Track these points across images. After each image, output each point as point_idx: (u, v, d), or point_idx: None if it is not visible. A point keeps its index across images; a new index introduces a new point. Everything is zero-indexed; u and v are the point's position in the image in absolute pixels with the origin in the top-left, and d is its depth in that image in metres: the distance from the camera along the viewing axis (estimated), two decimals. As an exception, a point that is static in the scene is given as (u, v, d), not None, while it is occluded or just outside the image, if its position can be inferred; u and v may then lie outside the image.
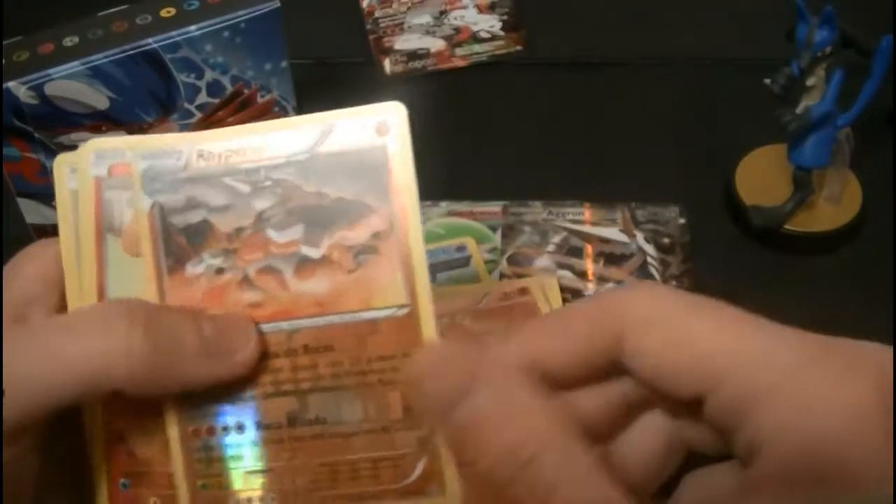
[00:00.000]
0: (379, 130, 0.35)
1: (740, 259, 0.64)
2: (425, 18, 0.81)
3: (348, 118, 0.34)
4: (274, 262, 0.35)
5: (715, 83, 0.75)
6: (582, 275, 0.61)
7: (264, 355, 0.33)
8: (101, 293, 0.34)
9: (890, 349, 0.26)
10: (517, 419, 0.26)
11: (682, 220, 0.65)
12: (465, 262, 0.61)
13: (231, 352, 0.32)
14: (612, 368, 0.28)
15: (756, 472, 0.26)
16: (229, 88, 0.65)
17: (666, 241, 0.63)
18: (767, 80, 0.60)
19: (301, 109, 0.68)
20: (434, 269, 0.60)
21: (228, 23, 0.62)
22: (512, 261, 0.62)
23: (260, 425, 0.34)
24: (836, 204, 0.65)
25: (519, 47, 0.79)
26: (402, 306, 0.33)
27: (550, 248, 0.63)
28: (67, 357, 0.30)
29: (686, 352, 0.26)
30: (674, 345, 0.26)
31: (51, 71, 0.59)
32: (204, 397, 0.33)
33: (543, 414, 0.26)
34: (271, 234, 0.35)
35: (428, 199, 0.66)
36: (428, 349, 0.30)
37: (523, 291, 0.58)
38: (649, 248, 0.63)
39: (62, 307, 0.34)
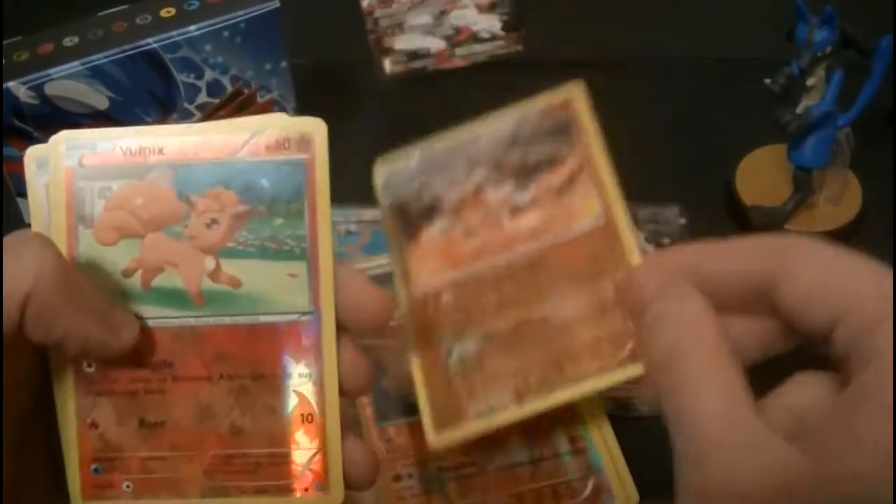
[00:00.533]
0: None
1: (740, 259, 0.64)
2: (425, 18, 0.81)
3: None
4: (492, 215, 0.46)
5: (715, 83, 0.75)
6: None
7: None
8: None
9: None
10: (681, 324, 0.32)
11: (682, 220, 0.65)
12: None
13: (117, 326, 0.34)
14: (762, 302, 0.33)
15: (857, 386, 0.29)
16: (229, 88, 0.65)
17: (666, 241, 0.63)
18: (767, 80, 0.60)
19: (301, 109, 0.68)
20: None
21: (228, 23, 0.62)
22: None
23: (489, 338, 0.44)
24: (836, 204, 0.65)
25: (519, 47, 0.79)
26: (598, 218, 0.44)
27: (550, 248, 0.63)
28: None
29: (823, 291, 0.31)
30: (816, 284, 0.31)
31: (51, 71, 0.59)
32: None
33: (702, 323, 0.32)
34: (489, 193, 0.47)
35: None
36: (633, 266, 0.38)
37: (566, 105, 0.51)
38: (649, 248, 0.63)
39: None
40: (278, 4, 0.63)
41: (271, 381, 0.35)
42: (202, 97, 0.64)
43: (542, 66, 0.78)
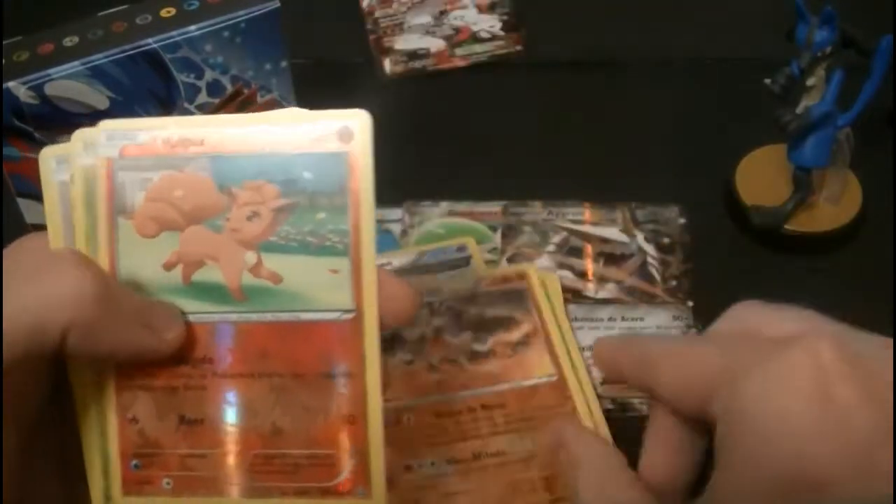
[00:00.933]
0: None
1: (740, 259, 0.64)
2: (425, 18, 0.81)
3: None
4: (452, 355, 0.54)
5: (715, 83, 0.75)
6: (582, 275, 0.61)
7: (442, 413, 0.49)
8: (113, 275, 0.34)
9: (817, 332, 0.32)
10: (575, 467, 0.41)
11: (682, 220, 0.65)
12: (466, 261, 0.61)
13: (161, 328, 0.33)
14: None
15: (722, 467, 0.32)
16: (229, 88, 0.65)
17: (666, 241, 0.63)
18: (767, 80, 0.60)
19: (301, 109, 0.68)
20: (434, 269, 0.60)
21: (228, 23, 0.62)
22: (512, 261, 0.62)
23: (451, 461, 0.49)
24: (836, 204, 0.65)
25: (519, 47, 0.79)
26: (551, 375, 0.51)
27: (550, 248, 0.63)
28: (19, 300, 0.30)
29: (687, 381, 0.34)
30: (680, 377, 0.35)
31: (51, 71, 0.59)
32: None
33: (591, 461, 0.41)
34: (448, 338, 0.54)
35: (428, 199, 0.66)
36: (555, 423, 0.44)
37: (521, 276, 0.59)
38: (649, 248, 0.63)
39: None
40: (278, 4, 0.63)
41: (312, 381, 0.34)
42: (202, 97, 0.64)
43: (542, 66, 0.78)
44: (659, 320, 0.59)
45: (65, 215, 0.35)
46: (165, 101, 0.63)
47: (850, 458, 0.28)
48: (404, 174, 0.63)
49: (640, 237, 0.63)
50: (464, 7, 0.82)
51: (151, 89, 0.62)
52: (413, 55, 0.78)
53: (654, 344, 0.38)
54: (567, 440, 0.41)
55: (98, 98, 0.61)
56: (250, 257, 0.34)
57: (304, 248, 0.34)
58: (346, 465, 0.34)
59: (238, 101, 0.65)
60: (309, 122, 0.34)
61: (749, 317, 0.35)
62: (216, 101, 0.65)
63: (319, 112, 0.35)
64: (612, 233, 0.64)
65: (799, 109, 0.61)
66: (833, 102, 0.60)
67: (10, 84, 0.58)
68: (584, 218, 0.65)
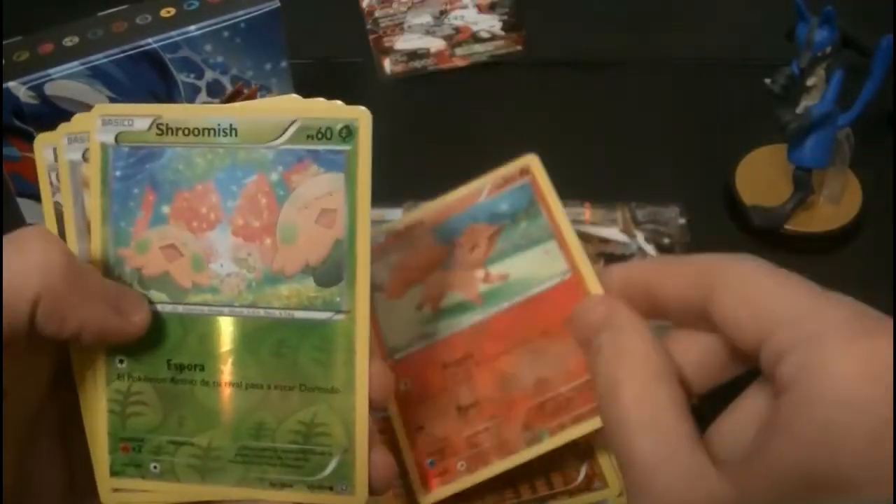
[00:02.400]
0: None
1: (740, 259, 0.64)
2: (425, 18, 0.81)
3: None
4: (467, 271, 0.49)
5: (715, 83, 0.75)
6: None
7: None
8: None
9: None
10: (617, 357, 0.34)
11: (682, 220, 0.65)
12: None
13: (129, 311, 0.34)
14: (705, 318, 0.34)
15: (777, 411, 0.30)
16: (229, 88, 0.65)
17: (666, 241, 0.63)
18: (767, 80, 0.60)
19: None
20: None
21: (228, 23, 0.62)
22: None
23: None
24: (836, 204, 0.65)
25: (519, 47, 0.79)
26: (565, 273, 0.44)
27: (550, 248, 0.63)
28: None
29: (747, 310, 0.32)
30: (742, 304, 0.32)
31: (51, 71, 0.59)
32: None
33: (637, 355, 0.34)
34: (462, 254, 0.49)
35: (428, 199, 0.66)
36: (582, 300, 0.38)
37: (524, 172, 0.53)
38: (649, 248, 0.63)
39: None
40: (278, 4, 0.63)
41: (556, 332, 0.41)
42: (202, 97, 0.64)
43: (542, 66, 0.78)
44: (659, 320, 0.59)
45: (76, 194, 0.35)
46: (165, 101, 0.63)
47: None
48: (404, 174, 0.63)
49: (640, 237, 0.63)
50: (464, 7, 0.82)
51: (151, 89, 0.62)
52: (413, 55, 0.78)
53: (720, 262, 0.34)
54: (617, 324, 0.35)
55: (98, 98, 0.61)
56: (479, 273, 0.43)
57: (518, 248, 0.44)
58: None
59: (238, 101, 0.65)
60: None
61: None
62: (216, 101, 0.65)
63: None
64: (612, 233, 0.64)
65: (799, 109, 0.61)
66: (833, 102, 0.60)
67: (10, 84, 0.58)
68: (584, 218, 0.65)
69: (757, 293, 0.32)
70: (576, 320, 0.37)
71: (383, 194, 0.34)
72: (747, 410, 0.33)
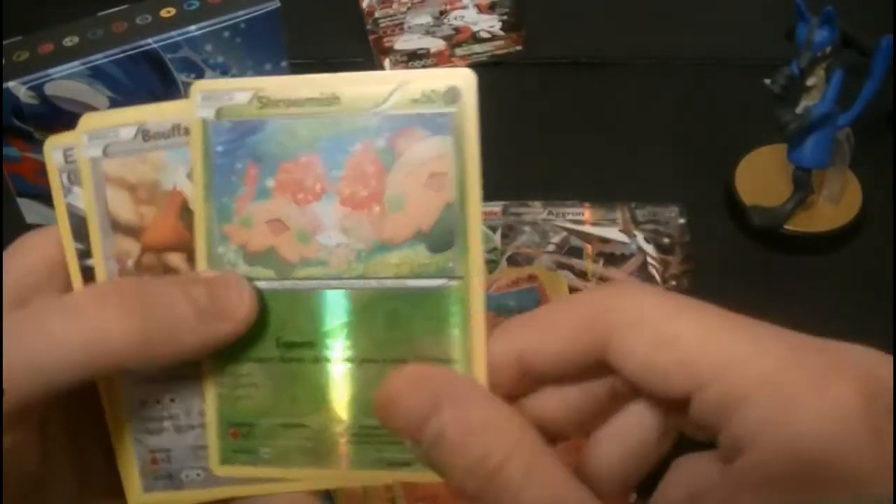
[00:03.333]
0: None
1: (740, 259, 0.64)
2: (425, 18, 0.81)
3: None
4: None
5: (715, 83, 0.75)
6: (582, 275, 0.61)
7: None
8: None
9: (872, 352, 0.26)
10: (480, 434, 0.27)
11: (682, 220, 0.65)
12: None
13: (229, 311, 0.32)
14: (597, 366, 0.29)
15: (739, 470, 0.26)
16: (229, 88, 0.65)
17: (666, 241, 0.63)
18: (767, 80, 0.60)
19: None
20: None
21: (228, 23, 0.62)
22: (512, 261, 0.62)
23: None
24: (836, 204, 0.65)
25: (519, 47, 0.79)
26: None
27: (550, 248, 0.63)
28: (62, 336, 0.29)
29: (672, 353, 0.27)
30: (660, 346, 0.27)
31: (51, 71, 0.59)
32: None
33: (508, 425, 0.27)
34: None
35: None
36: (398, 372, 0.30)
37: (532, 278, 0.58)
38: (649, 248, 0.63)
39: (68, 293, 0.34)
40: (278, 4, 0.63)
41: None
42: (202, 97, 0.64)
43: (542, 66, 0.78)
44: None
45: (98, 192, 0.35)
46: (166, 101, 0.63)
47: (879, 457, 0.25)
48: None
49: (640, 237, 0.63)
50: (464, 7, 0.82)
51: (151, 89, 0.62)
52: (413, 55, 0.78)
53: (610, 299, 0.28)
54: (461, 396, 0.29)
55: (98, 98, 0.61)
56: None
57: None
58: None
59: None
60: None
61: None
62: (216, 101, 0.65)
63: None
64: (612, 233, 0.64)
65: (799, 109, 0.61)
66: (833, 102, 0.60)
67: (10, 84, 0.58)
68: (584, 218, 0.65)
69: (674, 333, 0.27)
70: (390, 406, 0.29)
71: (383, 194, 0.34)
72: (691, 476, 0.29)
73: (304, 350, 0.34)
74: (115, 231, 0.35)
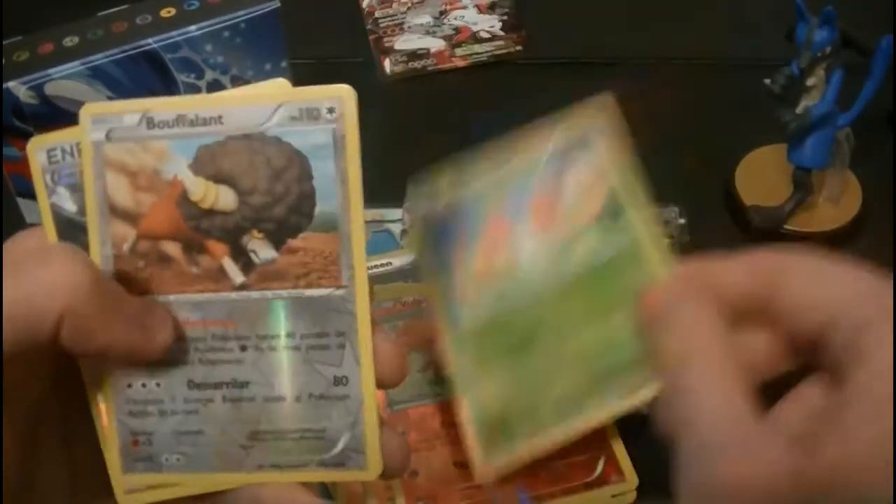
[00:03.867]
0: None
1: (740, 259, 0.64)
2: (425, 18, 0.81)
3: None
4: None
5: (715, 83, 0.75)
6: (582, 275, 0.61)
7: None
8: None
9: None
10: (689, 333, 0.33)
11: (682, 220, 0.65)
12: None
13: (154, 330, 0.34)
14: (766, 315, 0.33)
15: (853, 386, 0.29)
16: (229, 88, 0.65)
17: (666, 241, 0.63)
18: (767, 80, 0.60)
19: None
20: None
21: (228, 23, 0.62)
22: (512, 261, 0.62)
23: None
24: (836, 204, 0.65)
25: (519, 47, 0.79)
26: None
27: (550, 248, 0.63)
28: (12, 292, 0.30)
29: (816, 293, 0.32)
30: (809, 289, 0.32)
31: (51, 71, 0.59)
32: None
33: (707, 332, 0.33)
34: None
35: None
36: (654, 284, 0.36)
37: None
38: (649, 248, 0.63)
39: None
40: (278, 4, 0.63)
41: None
42: (202, 97, 0.64)
43: (542, 66, 0.78)
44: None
45: (99, 176, 0.35)
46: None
47: None
48: (404, 174, 0.63)
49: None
50: (464, 7, 0.82)
51: (151, 89, 0.62)
52: (413, 55, 0.78)
53: (785, 255, 0.34)
54: (692, 301, 0.34)
55: (98, 98, 0.61)
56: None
57: None
58: None
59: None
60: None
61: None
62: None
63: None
64: (613, 233, 0.64)
65: (799, 109, 0.61)
66: (833, 102, 0.60)
67: (10, 84, 0.58)
68: (584, 218, 0.65)
69: (821, 280, 0.32)
70: (642, 303, 0.36)
71: (383, 194, 0.34)
72: (805, 402, 0.33)
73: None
74: (112, 215, 0.35)
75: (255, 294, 0.35)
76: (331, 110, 0.35)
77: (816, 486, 0.28)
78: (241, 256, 0.35)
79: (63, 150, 0.36)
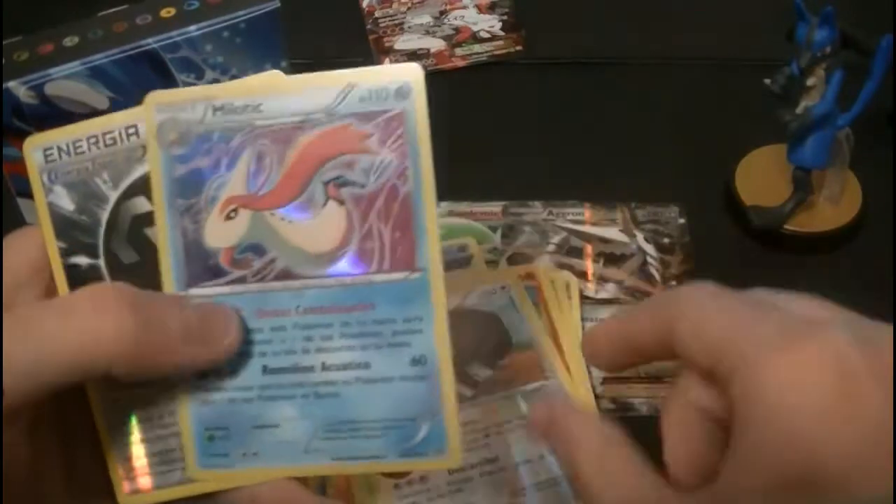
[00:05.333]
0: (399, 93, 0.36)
1: (740, 259, 0.64)
2: (425, 18, 0.81)
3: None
4: None
5: (715, 83, 0.75)
6: (582, 275, 0.61)
7: None
8: None
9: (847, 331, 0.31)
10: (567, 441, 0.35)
11: (682, 220, 0.65)
12: (467, 261, 0.61)
13: (216, 338, 0.33)
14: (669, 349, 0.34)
15: (736, 463, 0.30)
16: (229, 88, 0.65)
17: (666, 241, 0.63)
18: (767, 80, 0.60)
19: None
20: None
21: (228, 23, 0.62)
22: (512, 261, 0.62)
23: None
24: (836, 204, 0.65)
25: (519, 47, 0.79)
26: None
27: (550, 248, 0.63)
28: (56, 339, 0.30)
29: (704, 336, 0.32)
30: (698, 331, 0.32)
31: (51, 71, 0.59)
32: None
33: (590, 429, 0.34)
34: None
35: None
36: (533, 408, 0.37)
37: (530, 276, 0.60)
38: (649, 248, 0.63)
39: (50, 292, 0.34)
40: (278, 4, 0.63)
41: None
42: (202, 97, 0.64)
43: (542, 66, 0.78)
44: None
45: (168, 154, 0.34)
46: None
47: (869, 459, 0.28)
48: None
49: (640, 237, 0.63)
50: (464, 7, 0.82)
51: (152, 89, 0.62)
52: (413, 55, 0.78)
53: (676, 293, 0.35)
54: (558, 418, 0.36)
55: (98, 98, 0.61)
56: None
57: None
58: None
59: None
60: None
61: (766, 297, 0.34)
62: (216, 101, 0.65)
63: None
64: (612, 233, 0.64)
65: (799, 109, 0.61)
66: (833, 102, 0.60)
67: (10, 84, 0.58)
68: (584, 218, 0.65)
69: (706, 322, 0.32)
70: (528, 425, 0.38)
71: (383, 194, 0.34)
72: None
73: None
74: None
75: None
76: (400, 91, 0.35)
77: None
78: None
79: (60, 149, 0.36)
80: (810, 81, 0.60)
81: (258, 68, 0.65)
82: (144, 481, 0.35)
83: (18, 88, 0.58)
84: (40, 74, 0.58)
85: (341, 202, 0.34)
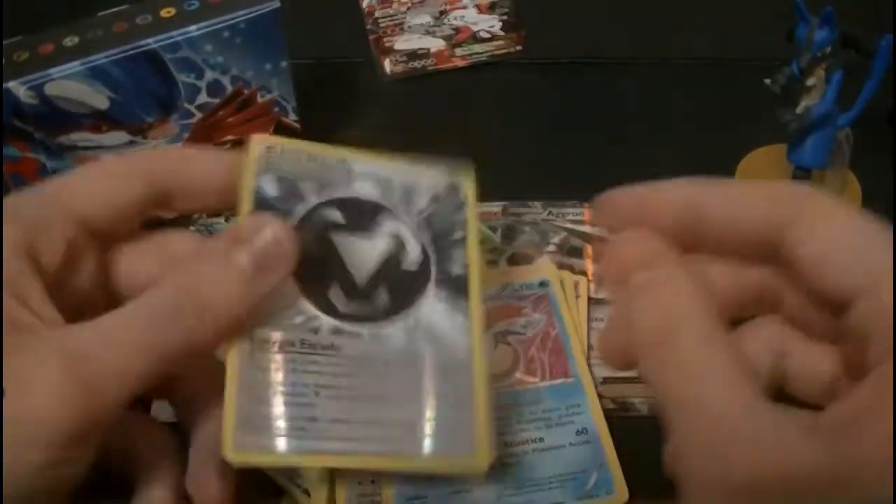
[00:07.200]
0: None
1: (740, 259, 0.64)
2: (425, 18, 0.81)
3: None
4: None
5: (715, 83, 0.75)
6: (582, 275, 0.61)
7: None
8: None
9: None
10: (675, 296, 0.29)
11: (682, 220, 0.65)
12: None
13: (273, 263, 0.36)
14: (763, 249, 0.30)
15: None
16: (229, 88, 0.65)
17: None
18: (767, 80, 0.60)
19: (301, 110, 0.68)
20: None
21: (228, 23, 0.62)
22: (512, 261, 0.62)
23: None
24: (836, 204, 0.65)
25: (519, 47, 0.79)
26: None
27: (550, 248, 0.63)
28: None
29: (856, 254, 0.28)
30: (843, 244, 0.28)
31: (51, 71, 0.59)
32: None
33: (696, 296, 0.29)
34: None
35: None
36: (620, 236, 0.33)
37: (542, 282, 0.59)
38: (649, 248, 0.63)
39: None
40: (278, 4, 0.63)
41: None
42: (202, 97, 0.64)
43: (542, 66, 0.78)
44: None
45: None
46: (166, 101, 0.63)
47: None
48: (404, 174, 0.63)
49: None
50: (464, 7, 0.82)
51: (151, 89, 0.62)
52: (413, 55, 0.78)
53: (799, 193, 0.30)
54: (665, 261, 0.31)
55: (98, 98, 0.61)
56: None
57: None
58: None
59: (238, 102, 0.66)
60: None
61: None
62: (216, 101, 0.65)
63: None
64: (613, 233, 0.64)
65: (799, 109, 0.61)
66: (833, 102, 0.60)
67: (10, 84, 0.58)
68: (584, 218, 0.65)
69: (858, 238, 0.29)
70: (611, 254, 0.32)
71: (383, 194, 0.34)
72: (811, 376, 0.31)
73: None
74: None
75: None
76: (543, 282, 0.50)
77: (838, 486, 0.26)
78: None
79: (282, 150, 0.42)
80: (810, 81, 0.60)
81: (258, 68, 0.65)
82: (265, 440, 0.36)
83: (18, 88, 0.58)
84: (40, 74, 0.58)
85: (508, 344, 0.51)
